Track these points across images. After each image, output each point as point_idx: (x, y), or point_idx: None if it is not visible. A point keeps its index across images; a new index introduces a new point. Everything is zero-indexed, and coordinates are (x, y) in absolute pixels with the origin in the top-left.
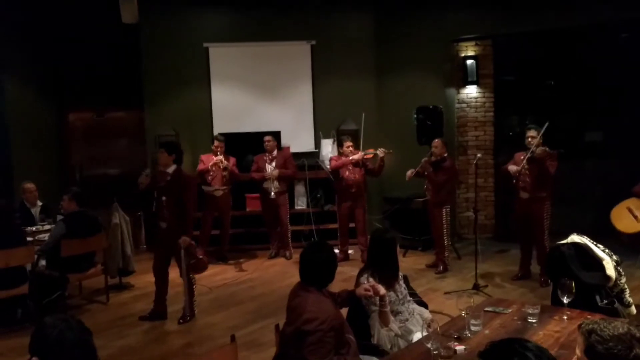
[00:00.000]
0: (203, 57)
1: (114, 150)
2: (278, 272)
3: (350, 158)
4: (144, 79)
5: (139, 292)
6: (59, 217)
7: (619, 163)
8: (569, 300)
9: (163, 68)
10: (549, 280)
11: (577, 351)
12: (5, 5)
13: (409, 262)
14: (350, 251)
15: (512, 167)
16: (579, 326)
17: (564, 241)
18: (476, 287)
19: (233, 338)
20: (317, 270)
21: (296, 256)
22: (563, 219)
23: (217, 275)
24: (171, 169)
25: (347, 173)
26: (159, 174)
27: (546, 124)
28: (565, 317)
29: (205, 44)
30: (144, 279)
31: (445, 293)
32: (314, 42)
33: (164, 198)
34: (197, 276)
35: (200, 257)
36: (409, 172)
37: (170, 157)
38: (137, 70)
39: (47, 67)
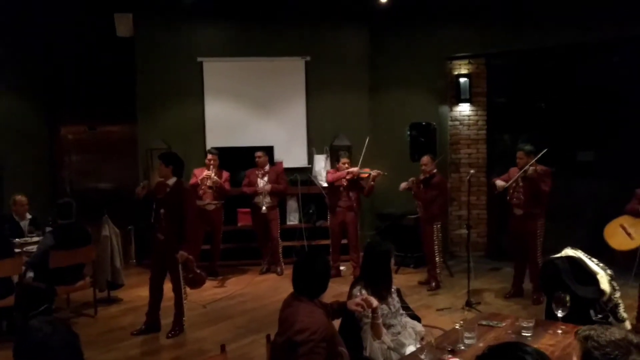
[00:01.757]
0: (197, 72)
1: (105, 163)
2: (269, 287)
3: (347, 171)
4: (137, 93)
5: (128, 305)
6: (48, 229)
7: (611, 182)
8: (563, 314)
9: (157, 82)
10: (541, 298)
11: (574, 358)
12: None
13: (401, 279)
14: (342, 267)
15: (499, 182)
16: (576, 333)
17: (558, 255)
18: (469, 304)
19: (223, 348)
20: (310, 280)
21: (287, 272)
22: (556, 237)
23: (207, 290)
24: (171, 181)
25: (341, 189)
26: (158, 185)
27: (544, 151)
28: (559, 331)
29: (199, 59)
30: (133, 293)
31: (438, 310)
32: (308, 58)
33: (162, 210)
34: (188, 290)
35: (198, 271)
36: (403, 184)
37: (167, 168)
38: (131, 84)
39: (40, 79)
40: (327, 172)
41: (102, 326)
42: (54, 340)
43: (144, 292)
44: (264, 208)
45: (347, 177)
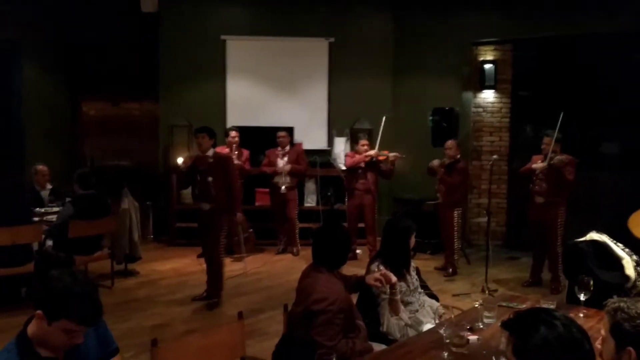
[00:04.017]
0: (220, 50)
1: (126, 139)
2: (285, 267)
3: (365, 155)
4: (160, 69)
5: (144, 279)
6: (68, 199)
7: (635, 174)
8: (586, 297)
9: (180, 58)
10: (560, 288)
11: (602, 331)
12: None
13: (417, 264)
14: (358, 251)
15: (538, 165)
16: (604, 305)
17: (583, 239)
18: (486, 291)
19: (240, 315)
20: (329, 251)
21: (303, 253)
22: (578, 228)
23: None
24: (210, 152)
25: (359, 172)
26: (198, 157)
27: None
28: (581, 315)
29: (222, 37)
30: (149, 267)
31: (454, 295)
32: (332, 40)
33: (210, 179)
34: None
35: (251, 230)
36: (435, 161)
37: (211, 140)
38: (154, 60)
39: (65, 53)
40: (346, 156)
41: (118, 297)
42: (74, 290)
43: (160, 267)
44: (283, 188)
45: (366, 159)
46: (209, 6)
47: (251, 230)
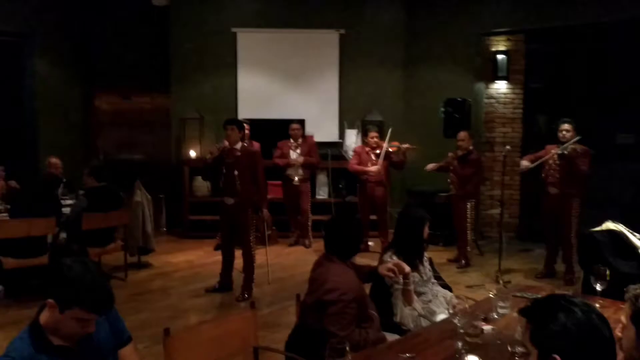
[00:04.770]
0: (231, 42)
1: (138, 133)
2: (297, 259)
3: (369, 169)
4: (171, 62)
5: (157, 270)
6: (81, 192)
7: None
8: (602, 288)
9: (190, 52)
10: (574, 279)
11: (622, 318)
12: None
13: (430, 256)
14: (370, 243)
15: (524, 163)
16: (625, 291)
17: (598, 228)
18: (499, 281)
19: (253, 305)
20: (341, 240)
21: (315, 245)
22: (593, 220)
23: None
24: (238, 145)
25: (369, 165)
26: (226, 150)
27: (576, 138)
28: (597, 305)
29: (233, 29)
30: (163, 259)
31: (467, 287)
32: (342, 31)
33: (236, 173)
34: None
35: (273, 228)
36: (430, 165)
37: (239, 133)
38: (165, 54)
39: (77, 48)
40: (354, 151)
41: (132, 289)
42: (86, 278)
43: (173, 259)
44: (296, 179)
45: (367, 173)
46: None
47: (274, 228)
